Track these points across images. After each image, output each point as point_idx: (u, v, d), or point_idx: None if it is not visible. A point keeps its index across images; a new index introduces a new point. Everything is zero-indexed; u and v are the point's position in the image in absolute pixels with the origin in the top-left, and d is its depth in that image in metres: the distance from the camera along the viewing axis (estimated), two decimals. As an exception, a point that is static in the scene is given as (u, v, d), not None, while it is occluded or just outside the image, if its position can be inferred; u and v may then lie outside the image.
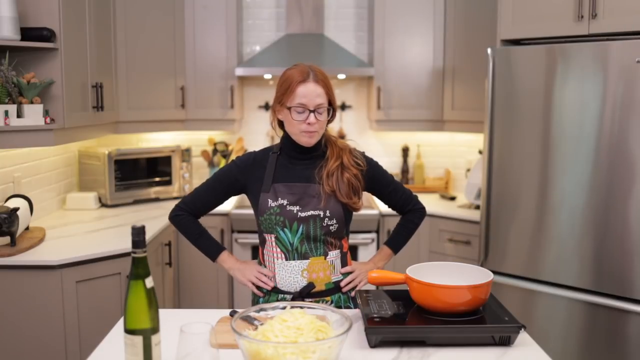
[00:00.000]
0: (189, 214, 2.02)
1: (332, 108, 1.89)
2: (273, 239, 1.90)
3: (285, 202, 1.87)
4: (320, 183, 1.90)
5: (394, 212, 2.14)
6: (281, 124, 1.95)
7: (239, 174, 1.95)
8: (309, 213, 1.87)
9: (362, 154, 2.01)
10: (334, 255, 1.92)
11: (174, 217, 2.04)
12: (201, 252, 2.06)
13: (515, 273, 2.90)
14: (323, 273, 1.90)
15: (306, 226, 1.87)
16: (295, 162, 1.93)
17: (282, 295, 1.92)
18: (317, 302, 1.90)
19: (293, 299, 1.88)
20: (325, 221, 1.88)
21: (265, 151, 1.99)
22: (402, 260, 3.68)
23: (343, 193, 1.89)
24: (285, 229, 1.87)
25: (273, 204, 1.88)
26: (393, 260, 3.64)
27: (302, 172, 1.92)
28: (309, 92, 1.82)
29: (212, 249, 2.04)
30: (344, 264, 1.96)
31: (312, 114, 1.82)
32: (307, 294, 1.89)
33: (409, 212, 2.13)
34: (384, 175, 2.04)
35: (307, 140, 1.87)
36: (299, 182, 1.90)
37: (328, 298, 1.93)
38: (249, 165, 1.95)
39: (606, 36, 2.63)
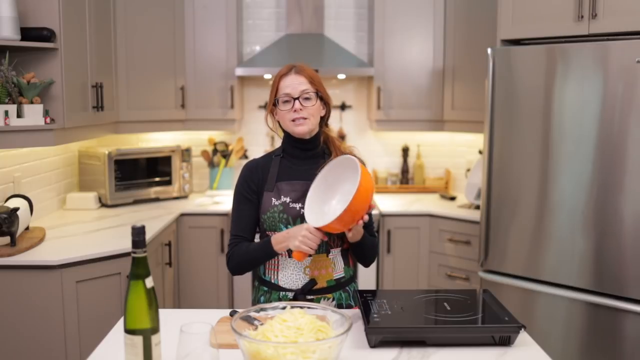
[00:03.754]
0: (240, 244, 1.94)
1: (322, 99, 1.93)
2: None
3: (288, 199, 1.90)
4: None
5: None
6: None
7: (250, 178, 1.97)
8: None
9: None
10: (335, 252, 1.93)
11: (229, 262, 1.94)
12: (267, 259, 1.93)
13: (515, 273, 2.89)
14: (325, 270, 1.91)
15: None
16: (298, 163, 1.96)
17: (283, 293, 1.92)
18: (319, 299, 1.90)
19: (295, 297, 1.88)
20: None
21: (268, 156, 2.03)
22: (402, 260, 3.69)
23: None
24: (289, 226, 1.88)
25: (276, 202, 1.90)
26: (393, 260, 3.66)
27: (304, 171, 1.94)
28: (291, 82, 1.90)
29: (266, 250, 1.89)
30: (345, 261, 1.97)
31: (296, 101, 1.88)
32: (309, 290, 1.90)
33: None
34: None
35: (299, 129, 1.89)
36: (301, 180, 1.92)
37: (329, 295, 1.93)
38: (254, 168, 1.98)
39: (606, 36, 2.63)
